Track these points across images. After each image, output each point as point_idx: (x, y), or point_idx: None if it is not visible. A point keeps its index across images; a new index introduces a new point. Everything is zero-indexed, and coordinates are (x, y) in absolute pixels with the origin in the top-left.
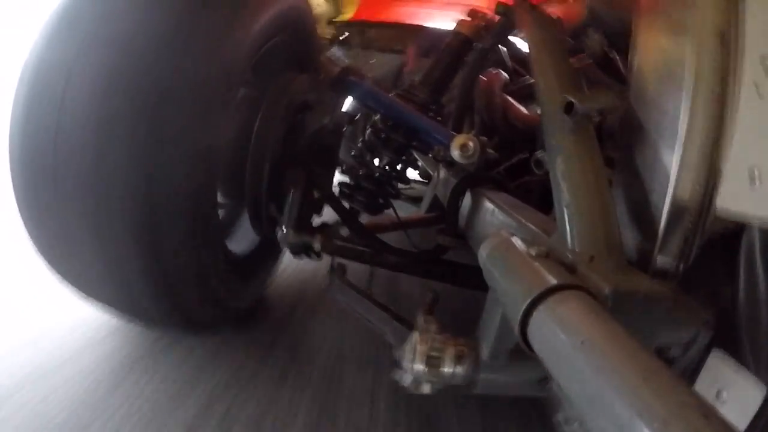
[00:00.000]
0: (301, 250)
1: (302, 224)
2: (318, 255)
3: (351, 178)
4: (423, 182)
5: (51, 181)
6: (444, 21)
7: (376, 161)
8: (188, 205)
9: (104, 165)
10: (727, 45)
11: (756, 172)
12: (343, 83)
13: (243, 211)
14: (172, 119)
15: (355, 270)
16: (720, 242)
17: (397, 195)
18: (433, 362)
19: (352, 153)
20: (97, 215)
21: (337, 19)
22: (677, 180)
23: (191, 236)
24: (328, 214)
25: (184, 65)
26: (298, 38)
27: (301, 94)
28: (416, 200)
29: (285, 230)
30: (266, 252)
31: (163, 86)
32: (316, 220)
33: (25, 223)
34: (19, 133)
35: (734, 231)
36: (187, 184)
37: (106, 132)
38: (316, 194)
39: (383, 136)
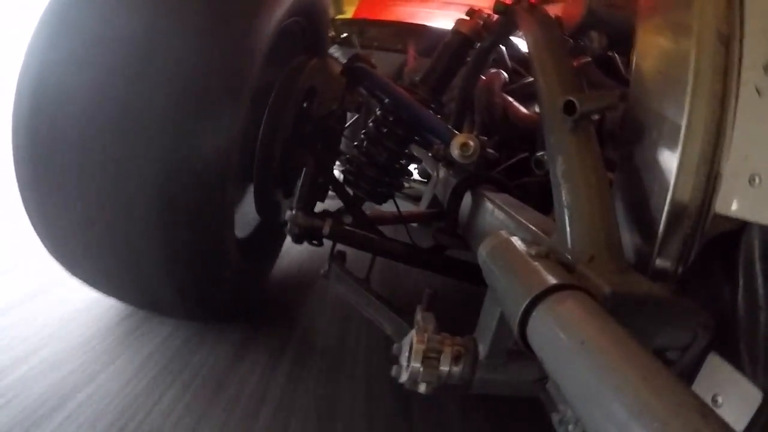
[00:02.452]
0: (306, 234)
1: (308, 209)
2: (320, 241)
3: (353, 166)
4: (422, 181)
5: (65, 168)
6: (444, 20)
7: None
8: (204, 193)
9: (119, 151)
10: (727, 46)
11: (756, 174)
12: (354, 70)
13: (243, 196)
14: (190, 106)
15: (351, 265)
16: (719, 244)
17: (401, 186)
18: (430, 362)
19: (355, 143)
20: (111, 207)
21: (337, 18)
22: (677, 181)
23: (206, 223)
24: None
25: (208, 52)
26: (310, 21)
27: (310, 79)
28: (415, 200)
29: (294, 212)
30: (267, 238)
31: (187, 74)
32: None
33: (29, 214)
34: (24, 123)
35: (733, 233)
36: (204, 173)
37: (123, 120)
38: (320, 180)
39: (385, 129)
